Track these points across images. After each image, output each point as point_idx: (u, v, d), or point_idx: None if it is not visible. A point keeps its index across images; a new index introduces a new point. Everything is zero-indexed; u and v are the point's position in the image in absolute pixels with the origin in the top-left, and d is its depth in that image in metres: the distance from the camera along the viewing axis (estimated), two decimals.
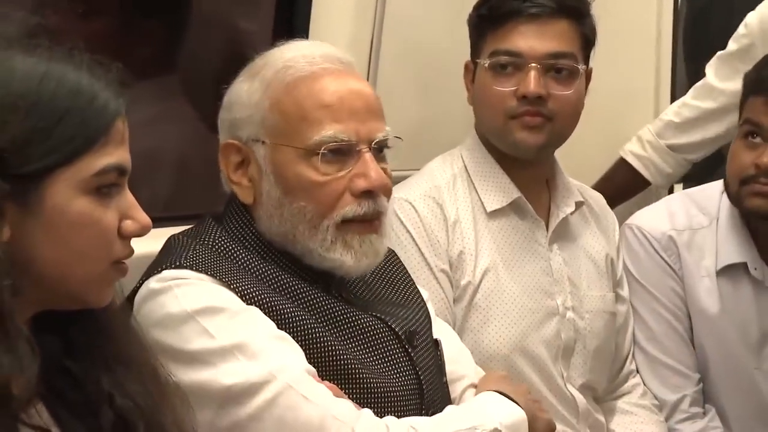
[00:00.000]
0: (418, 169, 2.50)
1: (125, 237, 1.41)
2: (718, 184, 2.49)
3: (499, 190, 2.25)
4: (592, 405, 2.38)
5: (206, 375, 1.66)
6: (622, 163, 2.93)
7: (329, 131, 1.79)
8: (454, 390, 2.00)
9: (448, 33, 2.43)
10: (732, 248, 2.43)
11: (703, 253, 2.46)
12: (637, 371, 2.54)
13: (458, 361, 2.03)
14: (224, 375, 1.66)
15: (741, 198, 2.38)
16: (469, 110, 2.42)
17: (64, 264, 1.36)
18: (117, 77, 1.41)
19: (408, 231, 2.18)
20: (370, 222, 1.84)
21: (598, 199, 2.52)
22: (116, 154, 1.38)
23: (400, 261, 2.07)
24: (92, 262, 1.39)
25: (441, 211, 2.22)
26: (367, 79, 2.33)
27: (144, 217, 1.41)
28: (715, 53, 3.12)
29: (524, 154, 2.31)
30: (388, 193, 1.87)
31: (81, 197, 1.36)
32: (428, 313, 2.01)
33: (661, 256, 2.45)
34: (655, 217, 2.50)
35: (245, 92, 1.87)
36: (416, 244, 2.18)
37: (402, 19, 2.38)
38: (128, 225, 1.40)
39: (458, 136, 2.50)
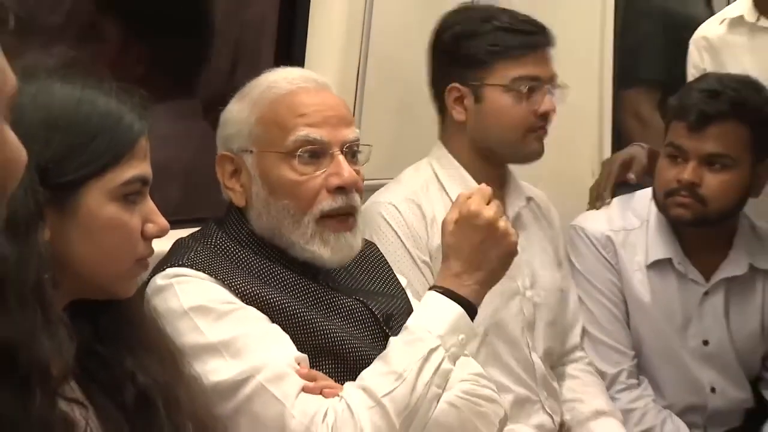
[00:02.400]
0: (394, 177, 2.49)
1: (147, 238, 1.41)
2: (647, 192, 2.49)
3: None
4: (549, 372, 2.38)
5: (197, 369, 1.63)
6: None
7: (303, 132, 1.79)
8: None
9: (422, 63, 2.42)
10: (659, 246, 2.43)
11: (636, 250, 2.46)
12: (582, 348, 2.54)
13: None
14: (211, 372, 1.65)
15: (666, 207, 2.39)
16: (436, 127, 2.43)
17: (96, 261, 1.37)
18: (140, 101, 1.42)
19: (393, 229, 2.17)
20: (345, 220, 1.83)
21: (542, 196, 2.52)
22: (140, 167, 1.39)
23: (382, 255, 2.06)
24: (119, 260, 1.40)
25: (420, 210, 2.22)
26: (354, 100, 2.34)
27: (163, 221, 1.41)
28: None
29: (533, 160, 2.34)
30: (359, 190, 1.86)
31: (110, 204, 1.36)
32: (407, 300, 1.99)
33: (600, 253, 2.45)
34: (596, 220, 2.51)
35: (236, 111, 1.87)
36: (401, 240, 2.17)
37: (384, 51, 2.37)
38: (150, 228, 1.40)
39: (428, 148, 2.48)
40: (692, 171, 2.34)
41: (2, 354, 1.22)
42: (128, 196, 1.38)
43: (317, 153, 1.80)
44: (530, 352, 2.31)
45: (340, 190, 1.80)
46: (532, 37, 2.28)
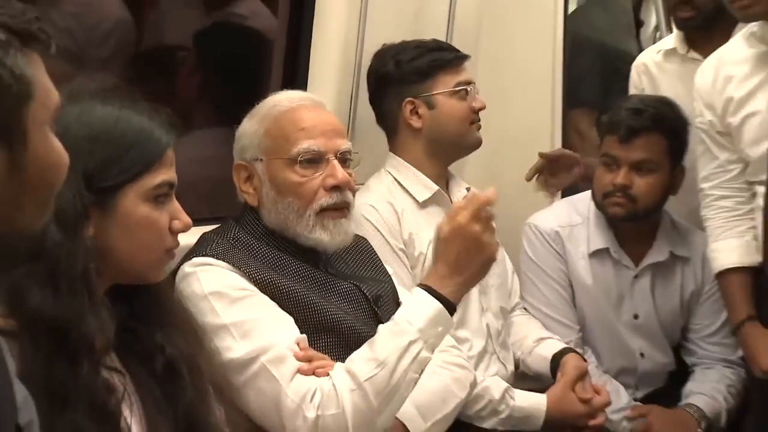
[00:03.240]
0: None
1: (174, 232, 1.41)
2: (587, 194, 2.51)
3: (424, 188, 2.25)
4: (502, 328, 2.38)
5: (213, 344, 1.65)
6: None
7: (304, 144, 1.79)
8: None
9: None
10: (598, 238, 2.44)
11: (579, 242, 2.46)
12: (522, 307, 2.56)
13: None
14: (224, 350, 1.66)
15: (604, 206, 2.41)
16: None
17: (132, 252, 1.37)
18: (167, 119, 1.41)
19: (373, 224, 2.16)
20: (341, 210, 1.82)
21: (474, 189, 2.46)
22: (167, 174, 1.39)
23: (371, 247, 2.05)
24: (151, 251, 1.39)
25: (392, 207, 2.21)
26: (349, 114, 2.34)
27: (187, 218, 1.42)
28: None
29: (477, 147, 2.35)
30: (351, 189, 1.85)
31: (143, 204, 1.36)
32: (393, 284, 1.99)
33: (551, 245, 2.46)
34: (546, 218, 2.51)
35: (247, 127, 1.86)
36: (380, 233, 2.16)
37: None
38: (176, 224, 1.40)
39: None
40: (624, 176, 2.35)
41: (56, 330, 1.23)
42: (158, 197, 1.38)
43: (315, 159, 1.80)
44: (483, 312, 2.30)
45: (336, 188, 1.80)
46: (457, 53, 2.31)
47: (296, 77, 2.28)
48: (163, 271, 1.46)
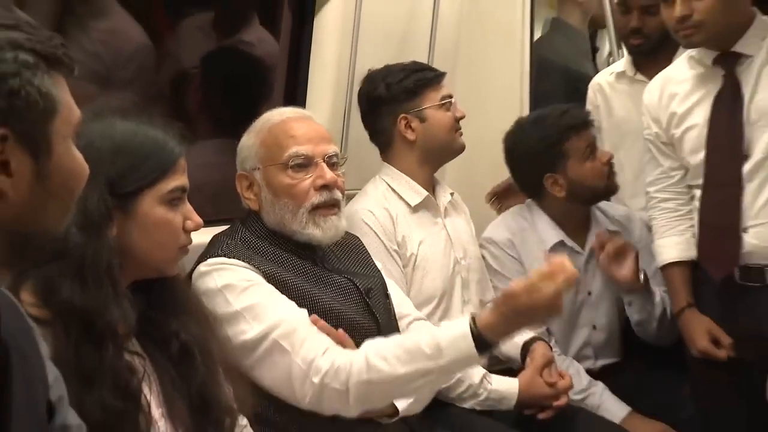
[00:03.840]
0: None
1: (187, 231, 1.41)
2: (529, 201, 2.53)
3: (416, 193, 2.24)
4: None
5: (230, 332, 1.64)
6: None
7: (294, 150, 1.77)
8: (402, 323, 1.93)
9: None
10: (550, 234, 2.41)
11: (532, 244, 2.44)
12: None
13: (403, 306, 1.98)
14: (239, 334, 1.64)
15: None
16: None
17: (150, 249, 1.37)
18: (179, 132, 1.41)
19: (371, 227, 2.15)
20: (331, 208, 1.80)
21: (456, 194, 2.47)
22: (180, 179, 1.39)
23: (363, 245, 2.03)
24: (167, 248, 1.39)
25: (388, 212, 2.20)
26: (342, 131, 2.34)
27: (198, 218, 1.42)
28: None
29: (461, 152, 2.34)
30: (340, 188, 1.82)
31: (159, 207, 1.37)
32: (382, 278, 1.95)
33: (507, 253, 2.44)
34: (497, 230, 2.49)
35: (246, 141, 1.85)
36: (377, 235, 2.15)
37: None
38: (189, 224, 1.40)
39: None
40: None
41: (84, 319, 1.24)
42: (172, 200, 1.38)
43: (305, 163, 1.78)
44: (465, 304, 2.30)
45: (325, 187, 1.78)
46: (437, 71, 2.31)
47: (296, 96, 2.28)
48: (178, 265, 1.45)
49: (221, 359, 1.46)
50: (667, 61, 2.43)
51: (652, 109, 2.26)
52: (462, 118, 2.31)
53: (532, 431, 2.12)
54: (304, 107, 2.24)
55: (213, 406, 1.39)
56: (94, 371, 1.22)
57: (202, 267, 1.71)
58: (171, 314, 1.41)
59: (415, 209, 2.26)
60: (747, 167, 2.08)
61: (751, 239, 2.07)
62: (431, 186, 2.31)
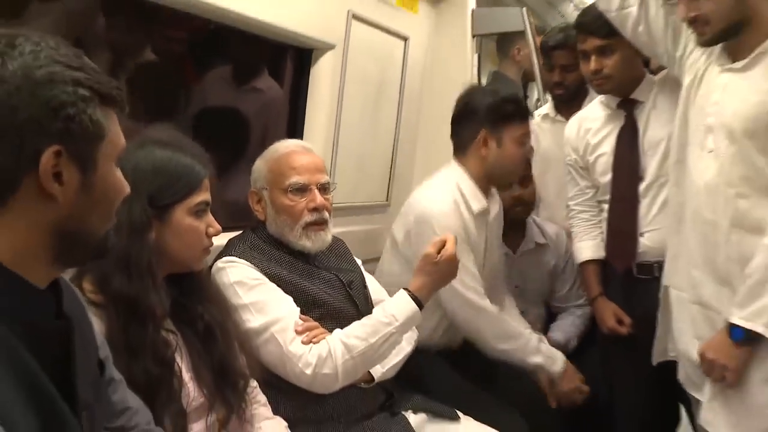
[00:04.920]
0: (358, 202, 2.47)
1: (209, 236, 1.40)
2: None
3: (477, 201, 2.10)
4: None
5: (238, 318, 1.60)
6: None
7: (294, 178, 1.74)
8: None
9: (371, 135, 2.41)
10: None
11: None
12: None
13: (378, 294, 1.90)
14: (245, 321, 1.61)
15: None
16: (384, 172, 2.33)
17: (180, 250, 1.37)
18: (205, 157, 1.40)
19: (436, 231, 1.98)
20: (320, 226, 1.76)
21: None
22: (205, 195, 1.38)
23: (347, 247, 1.94)
24: (194, 249, 1.38)
25: (459, 214, 2.07)
26: (331, 158, 2.28)
27: (218, 226, 1.41)
28: None
29: (513, 182, 2.30)
30: (328, 210, 1.78)
31: (188, 217, 1.36)
32: (361, 273, 1.91)
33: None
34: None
35: (258, 165, 1.82)
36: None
37: (348, 130, 2.32)
38: (210, 230, 1.39)
39: (377, 190, 2.46)
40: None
41: (130, 304, 1.24)
42: (198, 212, 1.37)
43: (302, 189, 1.75)
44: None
45: (316, 210, 1.75)
46: (528, 112, 2.21)
47: (296, 130, 2.26)
48: (203, 262, 1.44)
49: (236, 336, 1.46)
50: (579, 106, 2.45)
51: (572, 141, 2.27)
52: (528, 157, 2.21)
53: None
54: (302, 138, 2.22)
55: (230, 372, 1.39)
56: (139, 345, 1.22)
57: (219, 263, 1.69)
58: (197, 301, 1.40)
59: (476, 216, 2.13)
60: (642, 186, 2.09)
61: (645, 241, 2.09)
62: (489, 193, 2.19)
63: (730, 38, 1.68)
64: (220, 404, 1.36)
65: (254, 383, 1.50)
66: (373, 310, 1.73)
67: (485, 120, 2.12)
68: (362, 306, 1.81)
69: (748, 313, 1.61)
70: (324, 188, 1.79)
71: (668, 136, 1.98)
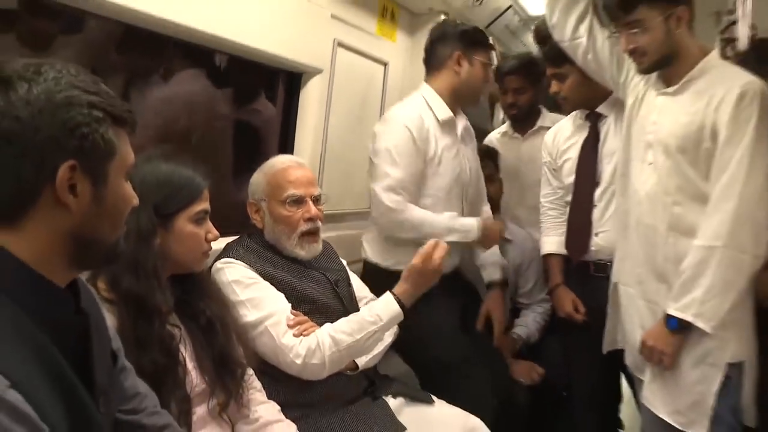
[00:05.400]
0: (344, 210, 2.43)
1: (208, 241, 1.39)
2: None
3: (443, 111, 2.05)
4: None
5: (235, 314, 1.60)
6: None
7: (291, 191, 1.73)
8: (361, 304, 1.86)
9: (355, 149, 2.40)
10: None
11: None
12: None
13: (361, 291, 1.90)
14: (242, 316, 1.61)
15: None
16: (366, 182, 2.27)
17: (182, 253, 1.36)
18: (205, 169, 1.40)
19: (410, 130, 2.01)
20: (313, 235, 1.75)
21: (470, 126, 2.27)
22: (204, 205, 1.38)
23: (333, 249, 1.92)
24: (195, 252, 1.38)
25: (422, 120, 2.04)
26: (319, 170, 2.28)
27: (216, 232, 1.40)
28: None
29: (477, 102, 2.27)
30: (320, 219, 1.77)
31: (189, 224, 1.36)
32: (347, 273, 1.90)
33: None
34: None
35: (257, 178, 1.80)
36: (411, 134, 1.99)
37: (334, 145, 2.33)
38: (209, 236, 1.39)
39: (357, 194, 2.45)
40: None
41: (139, 302, 1.24)
42: (198, 219, 1.37)
43: (298, 201, 1.74)
44: (462, 209, 2.16)
45: (310, 219, 1.74)
46: (493, 46, 2.17)
47: (287, 145, 2.26)
48: (203, 264, 1.44)
49: (234, 329, 1.46)
50: (533, 124, 2.49)
51: (548, 146, 2.30)
52: (488, 81, 2.18)
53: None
54: (293, 152, 2.22)
55: (229, 361, 1.39)
56: (147, 338, 1.22)
57: (218, 264, 1.69)
58: (199, 298, 1.40)
59: (442, 124, 2.08)
60: (598, 191, 2.11)
61: (599, 240, 2.11)
62: (454, 114, 2.13)
63: (663, 67, 1.73)
64: (220, 390, 1.36)
65: (250, 371, 1.50)
66: (361, 309, 1.72)
67: (460, 42, 2.11)
68: (347, 302, 1.81)
69: (680, 305, 1.65)
70: (317, 200, 1.78)
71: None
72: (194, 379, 1.32)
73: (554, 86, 2.17)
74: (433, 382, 2.00)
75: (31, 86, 0.83)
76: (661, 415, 1.71)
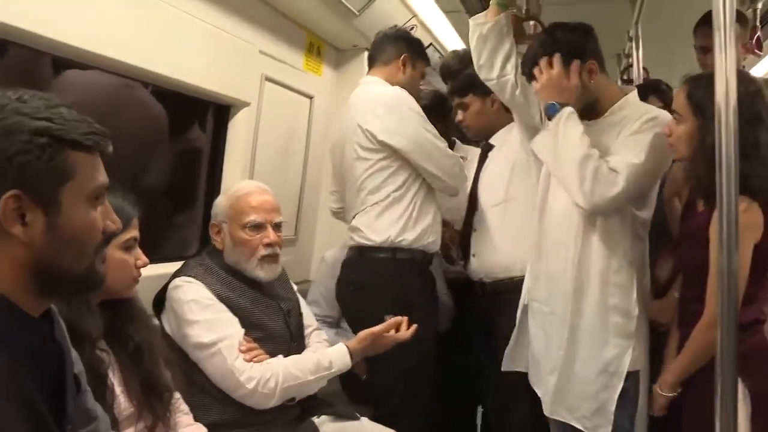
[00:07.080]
0: (294, 235, 2.50)
1: (137, 268, 1.41)
2: None
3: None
4: None
5: (189, 333, 1.64)
6: None
7: (252, 217, 1.75)
8: (307, 331, 1.90)
9: (282, 179, 2.41)
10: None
11: None
12: None
13: (308, 319, 1.93)
14: (196, 336, 1.64)
15: None
16: (292, 211, 2.32)
17: (112, 280, 1.27)
18: (133, 199, 1.40)
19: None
20: (273, 259, 1.77)
21: None
22: (133, 233, 1.39)
23: (288, 278, 1.93)
24: (124, 279, 1.39)
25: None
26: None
27: (145, 259, 1.40)
28: None
29: None
30: (279, 245, 1.79)
31: (118, 251, 1.36)
32: (299, 302, 1.92)
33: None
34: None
35: (220, 201, 1.83)
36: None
37: (262, 174, 2.29)
38: (138, 263, 1.40)
39: (287, 226, 2.36)
40: None
41: (69, 327, 1.17)
42: (127, 247, 1.38)
43: (258, 226, 1.76)
44: None
45: (269, 245, 1.77)
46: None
47: (215, 170, 2.26)
48: (132, 290, 1.43)
49: (161, 353, 1.46)
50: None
51: None
52: (419, 91, 2.28)
53: None
54: (221, 179, 2.23)
55: (157, 385, 1.40)
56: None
57: (177, 281, 1.69)
58: (128, 323, 1.40)
59: None
60: (476, 216, 2.25)
61: (474, 260, 2.24)
62: None
63: (591, 112, 1.83)
64: (148, 413, 1.36)
65: (177, 395, 1.51)
66: (318, 355, 1.77)
67: (410, 47, 2.24)
68: (295, 332, 1.84)
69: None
70: (277, 226, 1.80)
71: (498, 174, 2.20)
72: (122, 403, 1.32)
73: (459, 115, 2.35)
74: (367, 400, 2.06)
75: None
76: (568, 421, 1.78)
